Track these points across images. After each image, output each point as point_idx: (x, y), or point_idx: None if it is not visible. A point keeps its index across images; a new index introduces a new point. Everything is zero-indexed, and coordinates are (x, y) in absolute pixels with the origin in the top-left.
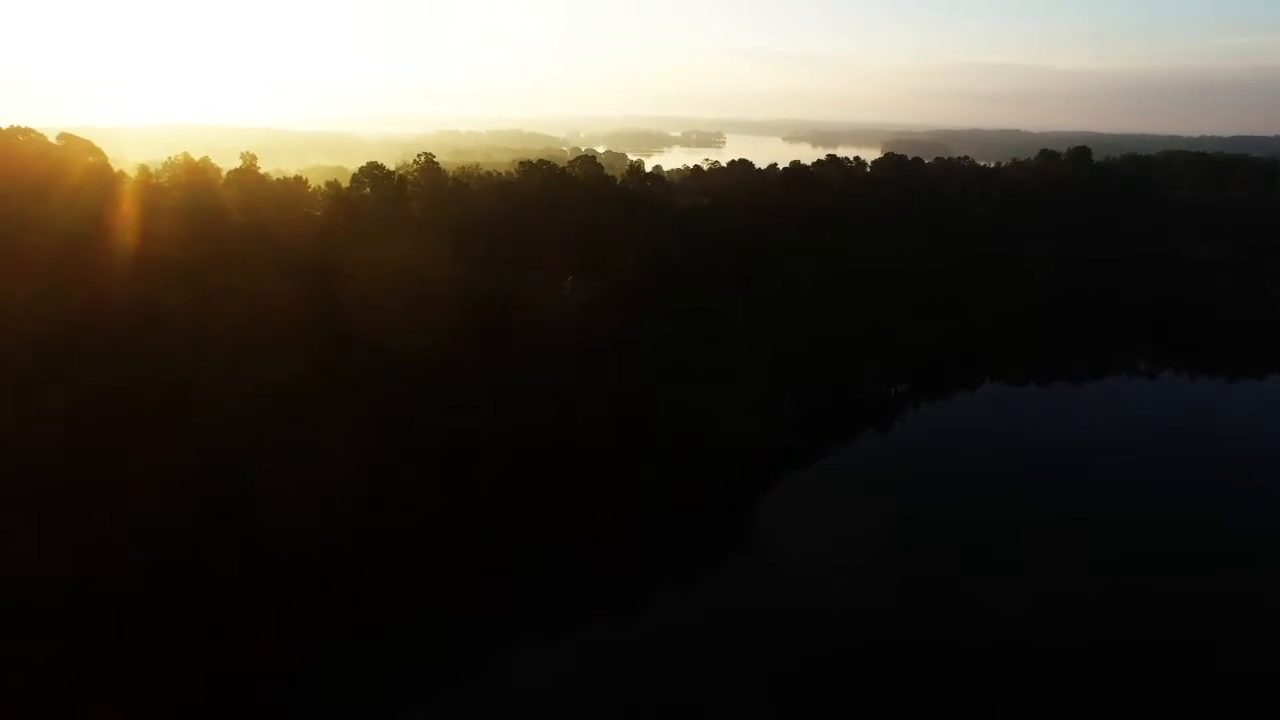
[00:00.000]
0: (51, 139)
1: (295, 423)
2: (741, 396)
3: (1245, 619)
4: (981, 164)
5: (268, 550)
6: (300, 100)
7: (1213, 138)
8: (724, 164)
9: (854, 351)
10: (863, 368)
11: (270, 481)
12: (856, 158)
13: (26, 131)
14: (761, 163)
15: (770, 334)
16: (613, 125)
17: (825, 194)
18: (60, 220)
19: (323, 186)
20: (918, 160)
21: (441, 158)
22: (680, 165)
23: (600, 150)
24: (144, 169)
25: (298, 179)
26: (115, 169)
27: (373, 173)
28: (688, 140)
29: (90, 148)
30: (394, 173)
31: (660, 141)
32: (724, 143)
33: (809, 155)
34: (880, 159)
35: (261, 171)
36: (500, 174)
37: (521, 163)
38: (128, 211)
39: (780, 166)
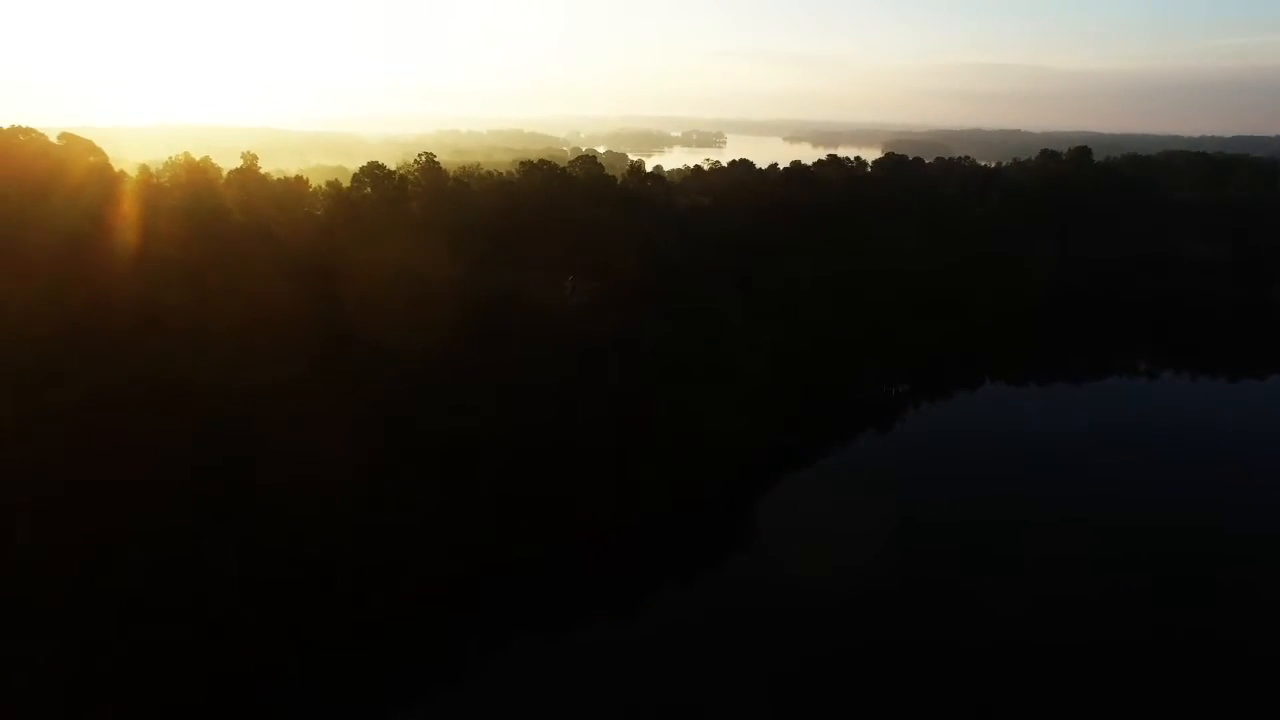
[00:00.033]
0: (52, 139)
1: (296, 423)
2: (742, 396)
3: (1246, 620)
4: (982, 164)
5: (268, 550)
6: (300, 100)
7: (1213, 138)
8: (725, 164)
9: (854, 351)
10: (863, 368)
11: (270, 481)
12: (857, 158)
13: (27, 131)
14: (762, 163)
15: (771, 334)
16: (613, 125)
17: (826, 194)
18: (61, 220)
19: (323, 186)
20: (918, 160)
21: (442, 157)
22: (681, 165)
23: (601, 150)
24: (145, 169)
25: (298, 179)
26: (116, 169)
27: (373, 172)
28: (688, 140)
29: (91, 147)
30: (395, 172)
31: (661, 141)
32: (725, 143)
33: (810, 155)
34: (881, 159)
35: (262, 171)
36: (501, 174)
37: (522, 163)
38: (128, 211)
39: (781, 166)
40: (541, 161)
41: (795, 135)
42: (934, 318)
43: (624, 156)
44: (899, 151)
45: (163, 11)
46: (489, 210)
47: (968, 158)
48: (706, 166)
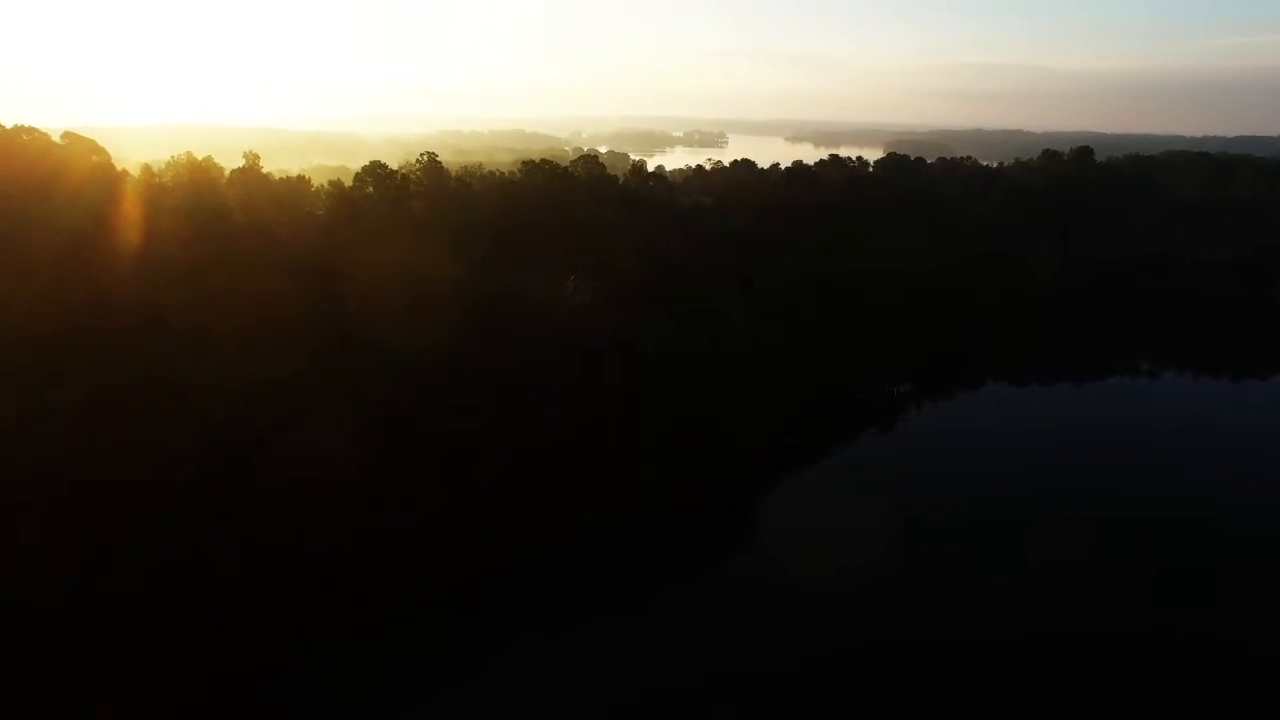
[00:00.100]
0: (55, 138)
1: (297, 422)
2: (743, 396)
3: (1252, 623)
4: (984, 164)
5: (269, 550)
6: (302, 100)
7: (1216, 138)
8: (726, 164)
9: (856, 351)
10: (865, 367)
11: (271, 481)
12: (859, 158)
13: (30, 130)
14: (764, 163)
15: (772, 333)
16: (615, 125)
17: (828, 194)
18: (63, 219)
19: (325, 186)
20: (920, 160)
21: (444, 157)
22: (683, 165)
23: (602, 150)
24: (147, 168)
25: (300, 178)
26: (118, 168)
27: (375, 172)
28: (690, 140)
29: (94, 147)
30: (397, 172)
31: (662, 141)
32: (726, 143)
33: (811, 155)
34: (883, 159)
35: (264, 171)
36: (503, 174)
37: (524, 162)
38: (131, 210)
39: (783, 166)
40: (543, 161)
41: (797, 135)
42: (936, 317)
43: (625, 156)
44: (901, 151)
45: (165, 12)
46: (491, 210)
47: (969, 158)
48: (708, 166)
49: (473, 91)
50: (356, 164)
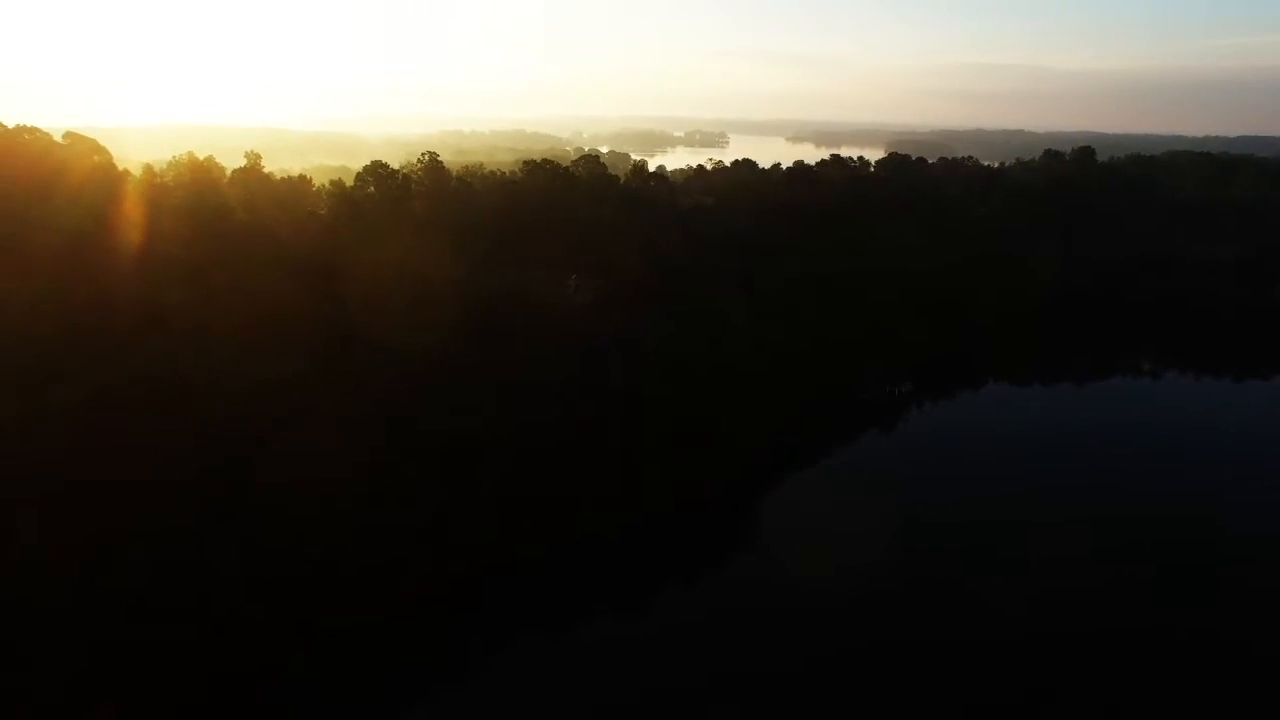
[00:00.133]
0: (57, 138)
1: (298, 422)
2: (744, 396)
3: (1248, 622)
4: (985, 164)
5: (270, 549)
6: (303, 100)
7: (1218, 137)
8: (727, 164)
9: (857, 351)
10: (866, 367)
11: (272, 480)
12: (860, 158)
13: (32, 130)
14: (765, 163)
15: (773, 333)
16: (616, 125)
17: (829, 194)
18: (65, 218)
19: (326, 185)
20: (921, 160)
21: (445, 157)
22: (684, 165)
23: (603, 150)
24: (148, 168)
25: (301, 178)
26: (120, 168)
27: (377, 171)
28: (691, 140)
29: (95, 146)
30: (398, 172)
31: (663, 141)
32: (727, 143)
33: (812, 155)
34: (884, 159)
35: (265, 171)
36: (504, 173)
37: (525, 162)
38: (132, 210)
39: (784, 166)
40: (544, 161)
41: (798, 135)
42: (937, 317)
43: (627, 156)
44: (902, 151)
45: (167, 12)
46: (492, 210)
47: (971, 158)
48: (709, 166)
49: (473, 92)
50: (358, 164)
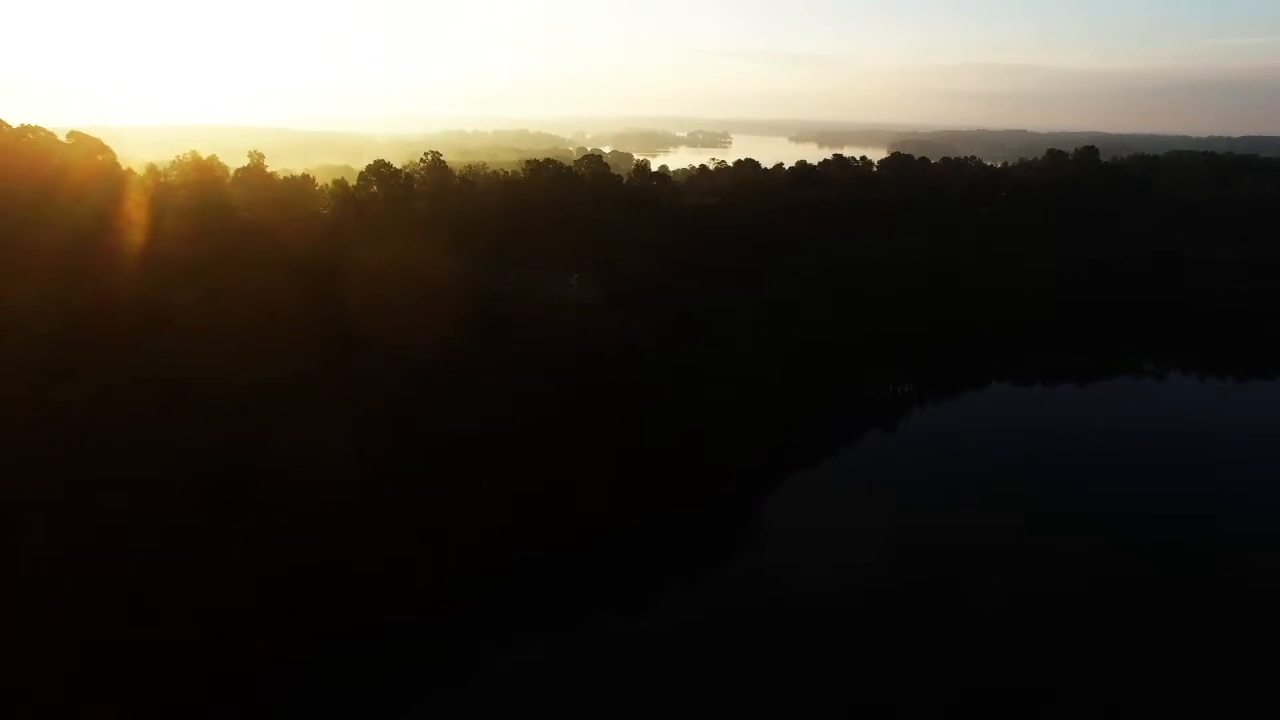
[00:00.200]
0: (61, 138)
1: (301, 421)
2: (747, 395)
3: (1249, 622)
4: (988, 164)
5: (271, 549)
6: (306, 101)
7: (1222, 138)
8: (730, 164)
9: (859, 350)
10: (868, 367)
11: (274, 481)
12: (863, 157)
13: (36, 130)
14: (768, 162)
15: (776, 333)
16: (618, 125)
17: (831, 193)
18: (69, 218)
19: (330, 185)
20: (924, 160)
21: (448, 157)
22: (687, 165)
23: (606, 150)
24: (152, 168)
25: (305, 177)
26: (124, 167)
27: (380, 171)
28: (694, 140)
29: (99, 146)
30: (401, 171)
31: (666, 141)
32: (730, 143)
33: (815, 155)
34: (886, 159)
35: (269, 170)
36: (507, 173)
37: (528, 161)
38: (136, 209)
39: (787, 166)
40: (547, 160)
41: (801, 135)
42: (940, 317)
43: (629, 156)
44: (905, 151)
45: (171, 12)
46: (494, 209)
47: (974, 158)
48: (712, 166)
49: (476, 92)
50: (361, 164)
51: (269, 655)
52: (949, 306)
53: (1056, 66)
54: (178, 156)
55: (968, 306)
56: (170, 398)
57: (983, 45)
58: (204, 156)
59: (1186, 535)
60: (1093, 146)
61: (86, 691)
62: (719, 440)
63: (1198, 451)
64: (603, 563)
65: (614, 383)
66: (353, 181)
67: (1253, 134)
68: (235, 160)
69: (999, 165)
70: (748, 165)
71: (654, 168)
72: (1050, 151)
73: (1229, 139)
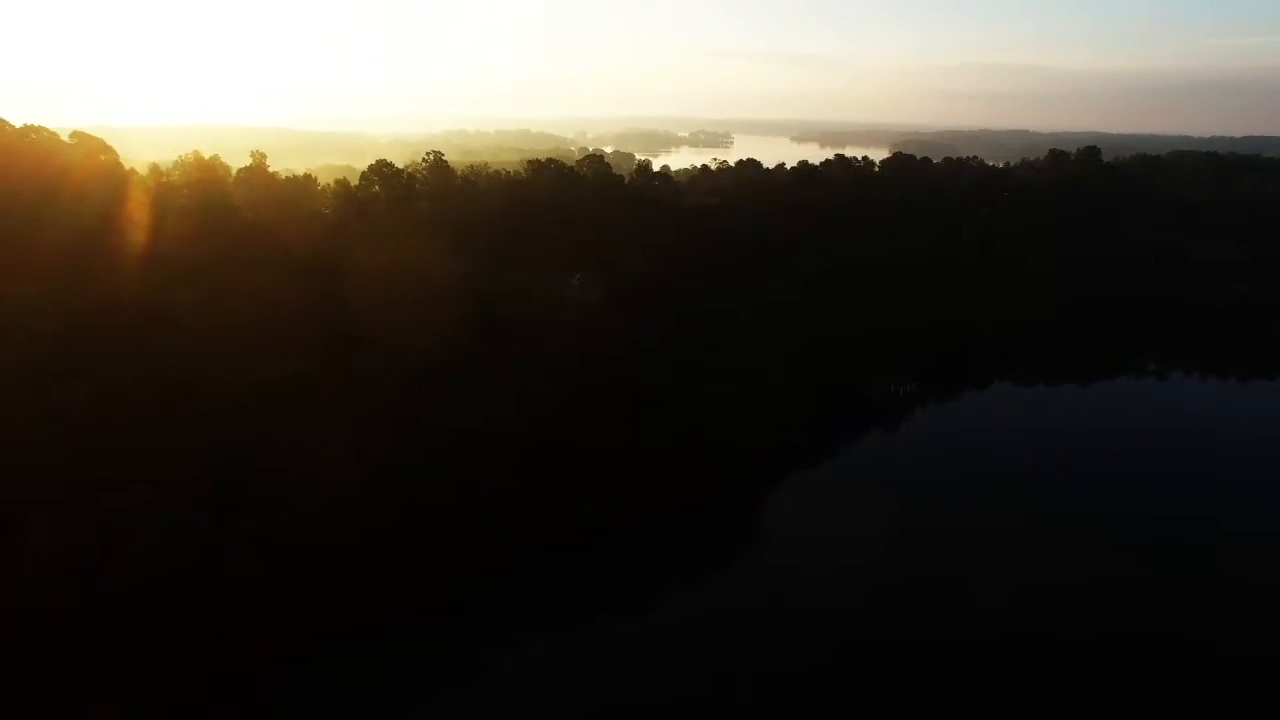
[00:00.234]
0: (64, 138)
1: (302, 422)
2: (749, 395)
3: (1251, 622)
4: (990, 164)
5: (272, 548)
6: (308, 101)
7: (1224, 138)
8: (732, 164)
9: (861, 350)
10: (870, 367)
11: (275, 481)
12: (865, 157)
13: (39, 130)
14: (770, 162)
15: (777, 333)
16: (620, 125)
17: (834, 193)
18: (71, 217)
19: (332, 185)
20: (926, 160)
21: (450, 157)
22: (688, 165)
23: (608, 150)
24: (155, 167)
25: (307, 177)
26: (126, 167)
27: (382, 171)
28: (696, 140)
29: (102, 146)
30: (403, 171)
31: (668, 141)
32: (732, 143)
33: (817, 155)
34: (888, 159)
35: (271, 170)
36: (509, 173)
37: (530, 161)
38: (138, 209)
39: (788, 166)
40: (549, 160)
41: (802, 135)
42: (941, 317)
43: (631, 156)
44: (906, 151)
45: (174, 13)
46: (496, 209)
47: (975, 158)
48: (714, 166)
49: (476, 92)
50: (363, 164)
51: (270, 655)
52: (950, 306)
53: (1057, 66)
54: (180, 156)
55: (969, 306)
56: (172, 397)
57: (983, 45)
58: (206, 156)
59: (1187, 535)
60: (1095, 146)
61: (89, 691)
62: (720, 440)
63: (1199, 452)
64: (604, 563)
65: (615, 383)
66: (355, 182)
67: (1255, 134)
68: (237, 160)
69: (1001, 165)
70: (749, 165)
71: (656, 168)
72: (1052, 151)
73: (1231, 139)
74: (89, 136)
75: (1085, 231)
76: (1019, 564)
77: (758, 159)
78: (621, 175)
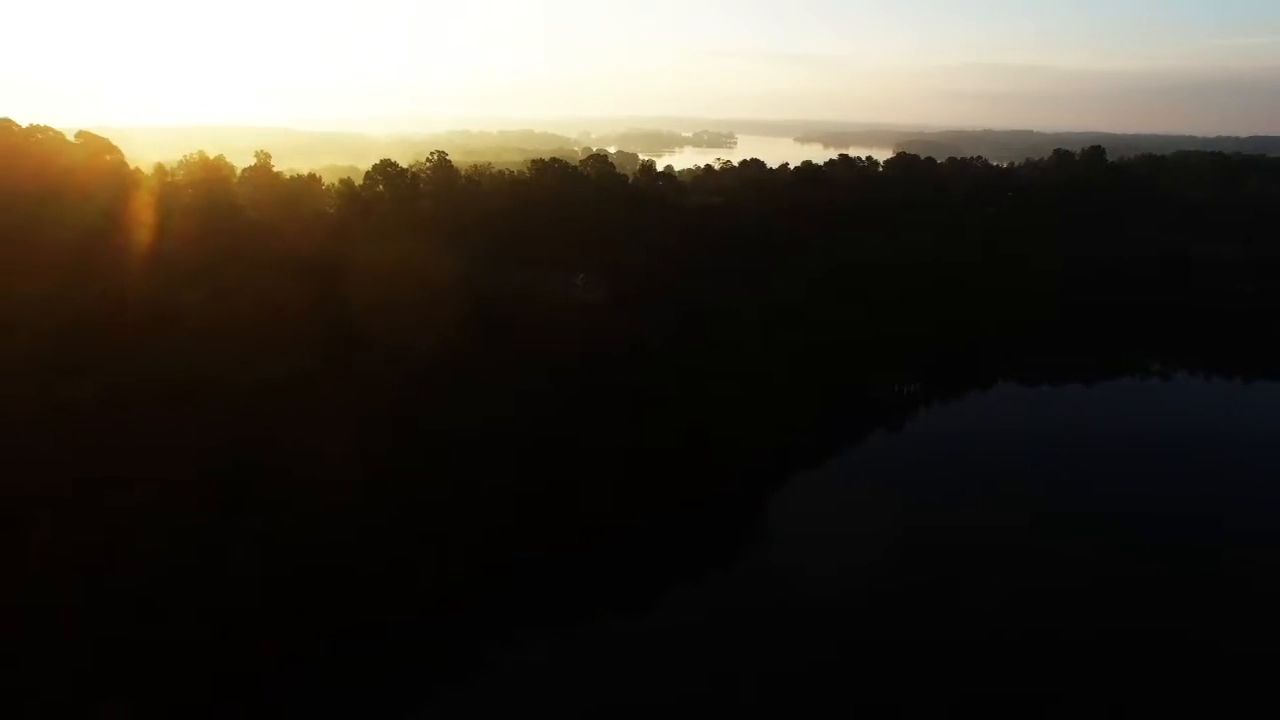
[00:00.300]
0: (69, 138)
1: (305, 421)
2: (752, 395)
3: (1251, 622)
4: (994, 164)
5: (276, 548)
6: (312, 101)
7: (1229, 138)
8: (736, 164)
9: (865, 350)
10: (874, 367)
11: (279, 480)
12: (868, 158)
13: (45, 130)
14: (773, 163)
15: (781, 333)
16: (623, 126)
17: (837, 193)
18: (77, 216)
19: (335, 185)
20: (930, 160)
21: (453, 157)
22: (692, 165)
23: (611, 150)
24: (160, 167)
25: (311, 177)
26: (131, 167)
27: (386, 170)
28: (699, 140)
29: (107, 145)
30: (406, 171)
31: (671, 142)
32: (735, 143)
33: (821, 155)
34: (892, 159)
35: (275, 170)
36: (512, 173)
37: (534, 161)
38: (143, 208)
39: (792, 166)
40: (553, 160)
41: (806, 135)
42: (946, 317)
43: (635, 156)
44: (910, 151)
45: (179, 13)
46: (500, 209)
47: (979, 158)
48: (717, 166)
49: (477, 92)
50: (367, 164)
51: (274, 654)
52: (954, 306)
53: (1059, 66)
54: (184, 156)
55: (973, 306)
56: (177, 396)
57: (984, 45)
58: (210, 156)
59: (1192, 536)
60: (1099, 146)
61: (94, 689)
62: (724, 440)
63: (1204, 452)
64: (606, 562)
65: (619, 383)
66: (359, 181)
67: (1260, 134)
68: (241, 160)
69: (1005, 165)
70: (753, 165)
71: (659, 168)
72: (1056, 151)
73: (1236, 139)
74: (94, 136)
75: (1090, 231)
76: (1024, 564)
77: (761, 159)
78: (625, 175)
